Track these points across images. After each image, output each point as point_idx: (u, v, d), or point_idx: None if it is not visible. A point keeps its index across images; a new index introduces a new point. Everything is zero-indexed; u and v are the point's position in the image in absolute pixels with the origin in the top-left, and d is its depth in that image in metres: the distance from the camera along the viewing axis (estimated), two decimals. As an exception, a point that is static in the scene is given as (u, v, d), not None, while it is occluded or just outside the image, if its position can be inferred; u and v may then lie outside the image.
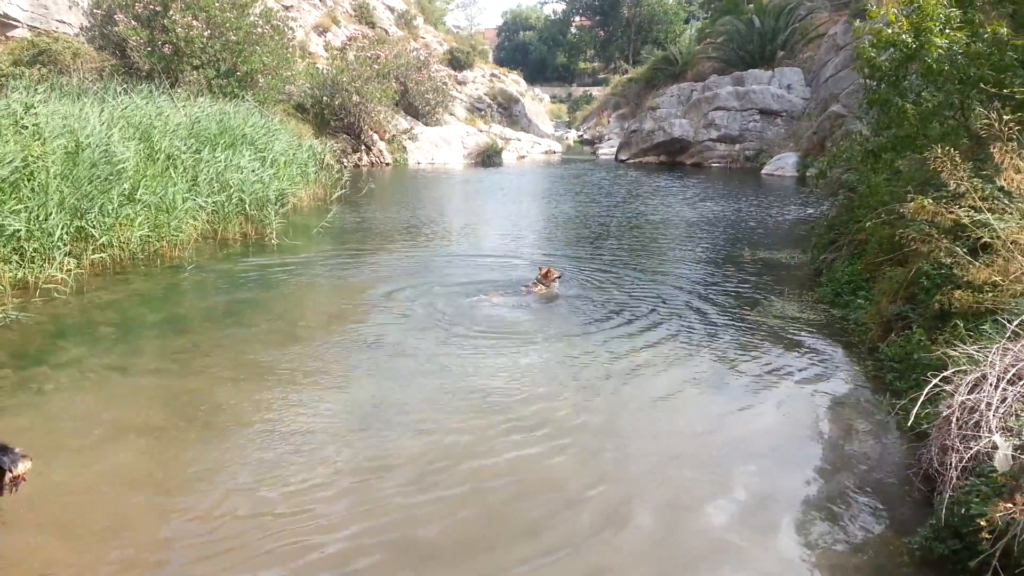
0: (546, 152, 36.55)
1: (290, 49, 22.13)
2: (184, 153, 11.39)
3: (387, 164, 25.81)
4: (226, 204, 11.59)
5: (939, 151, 5.78)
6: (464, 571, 3.80)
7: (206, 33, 18.73)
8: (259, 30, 20.07)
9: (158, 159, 10.86)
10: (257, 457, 4.85)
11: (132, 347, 6.82)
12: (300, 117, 23.26)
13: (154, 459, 4.81)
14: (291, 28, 22.53)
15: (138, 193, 9.84)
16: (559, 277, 9.29)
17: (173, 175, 10.74)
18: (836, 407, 5.89)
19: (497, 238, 13.42)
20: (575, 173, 26.68)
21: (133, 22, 18.62)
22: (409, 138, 27.67)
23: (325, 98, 23.83)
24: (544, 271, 9.24)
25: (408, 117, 29.26)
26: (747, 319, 8.16)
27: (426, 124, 29.94)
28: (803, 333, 7.66)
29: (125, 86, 14.63)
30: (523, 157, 33.60)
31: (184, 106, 13.64)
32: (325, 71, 24.63)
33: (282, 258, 10.70)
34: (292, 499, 4.36)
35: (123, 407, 5.56)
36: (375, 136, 25.93)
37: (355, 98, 23.85)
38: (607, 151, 36.29)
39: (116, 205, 9.46)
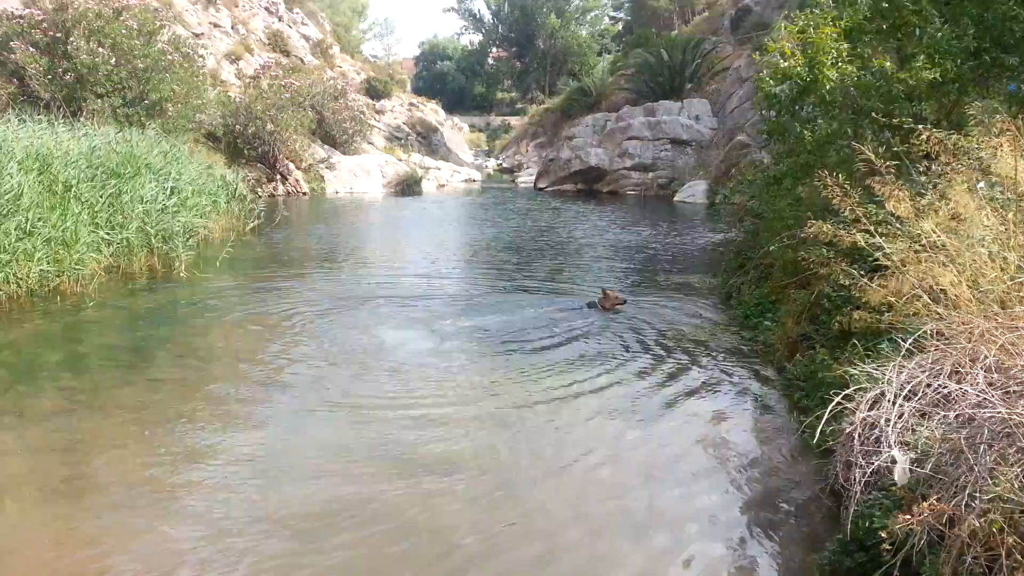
0: (466, 180, 36.69)
1: (200, 77, 21.64)
2: (85, 184, 10.91)
3: (304, 194, 25.39)
4: (131, 237, 11.15)
5: (828, 179, 6.05)
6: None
7: (112, 61, 18.14)
8: (168, 57, 19.57)
9: (57, 191, 10.37)
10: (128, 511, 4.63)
11: (26, 390, 6.45)
12: (212, 146, 22.70)
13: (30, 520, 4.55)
14: (201, 56, 22.05)
15: (36, 226, 9.37)
16: (623, 302, 9.75)
17: (74, 207, 10.28)
18: (747, 427, 6.06)
19: (418, 266, 13.33)
20: (495, 201, 26.86)
21: (31, 49, 17.87)
22: (327, 167, 27.33)
23: (238, 127, 23.34)
24: (605, 293, 9.81)
25: (325, 146, 28.92)
26: (661, 342, 8.33)
27: (344, 153, 29.65)
28: (715, 356, 7.86)
29: (23, 116, 13.97)
30: (443, 186, 33.62)
31: (85, 135, 13.10)
32: (238, 99, 24.16)
33: (191, 292, 10.34)
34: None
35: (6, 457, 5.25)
36: (291, 165, 25.52)
37: (269, 126, 23.45)
38: (526, 179, 36.67)
39: (12, 239, 8.98)
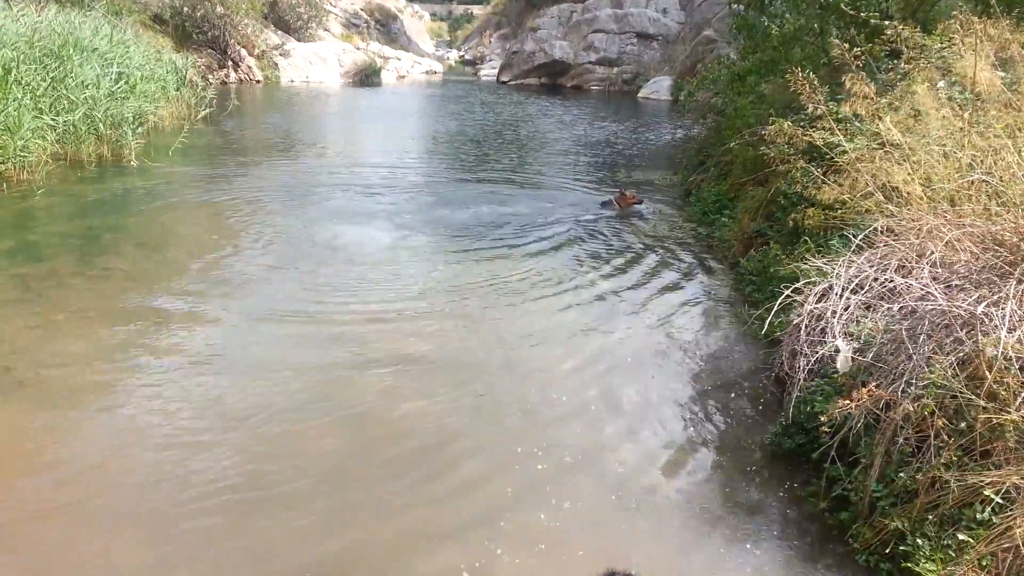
0: (427, 72, 35.63)
1: (144, -47, 20.34)
2: (25, 67, 10.35)
3: (257, 82, 24.44)
4: (77, 123, 10.69)
5: (799, 74, 6.03)
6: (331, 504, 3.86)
7: (46, -68, 16.87)
8: (108, -70, 18.27)
9: (-4, 73, 9.84)
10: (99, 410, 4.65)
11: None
12: (159, 29, 21.56)
13: None
14: (144, -70, 20.64)
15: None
16: (639, 202, 9.63)
17: (15, 91, 9.77)
18: (699, 319, 6.24)
19: (378, 158, 13.09)
20: (457, 94, 26.22)
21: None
22: (281, 54, 26.24)
23: (186, 8, 22.16)
24: (622, 193, 9.68)
25: (279, 32, 27.68)
26: (620, 238, 8.42)
27: (299, 40, 28.44)
28: (672, 251, 7.99)
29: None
30: (403, 77, 32.64)
31: (23, 15, 12.33)
32: (185, -21, 22.81)
33: (142, 180, 10.06)
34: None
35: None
36: (243, 52, 24.43)
37: (219, 9, 22.31)
38: (489, 72, 35.76)
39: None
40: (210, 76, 21.52)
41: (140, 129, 11.65)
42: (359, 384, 4.91)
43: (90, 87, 11.04)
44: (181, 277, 6.62)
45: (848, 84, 5.83)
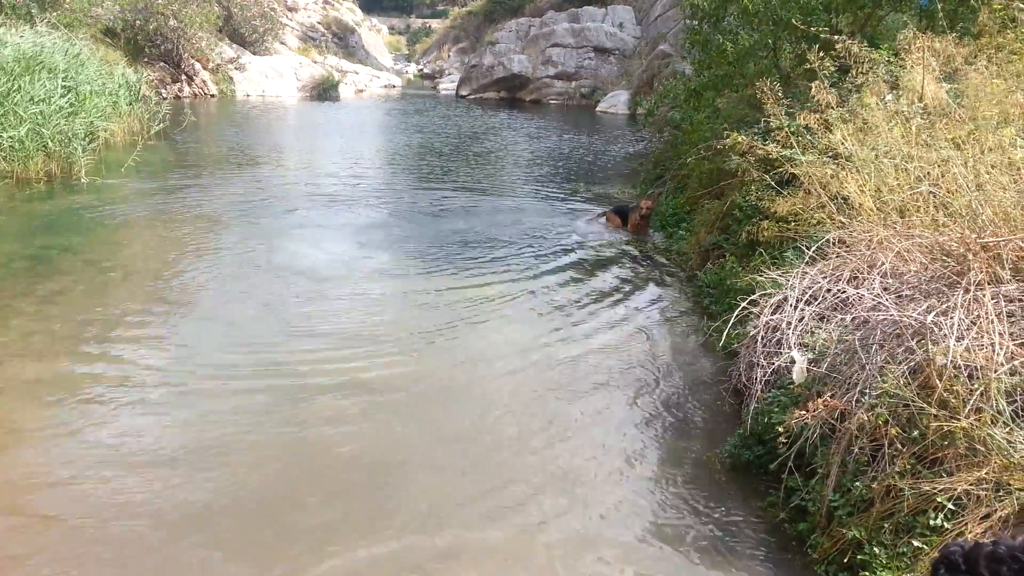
0: (386, 86, 35.52)
1: (95, -34, 19.96)
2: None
3: (212, 96, 24.13)
4: (24, 139, 10.41)
5: (763, 86, 6.15)
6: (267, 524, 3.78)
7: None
8: (56, -57, 17.91)
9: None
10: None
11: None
12: (110, 43, 21.16)
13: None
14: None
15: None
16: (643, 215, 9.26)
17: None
18: (658, 332, 6.28)
19: (335, 173, 12.97)
20: (416, 108, 26.17)
21: None
22: (236, 68, 25.93)
23: (138, 22, 21.79)
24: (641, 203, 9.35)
25: (234, 45, 27.37)
26: (578, 251, 8.45)
27: (255, 53, 28.15)
28: (631, 264, 8.05)
29: None
30: (361, 91, 32.48)
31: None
32: (137, -9, 22.45)
33: (93, 197, 9.83)
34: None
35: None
36: (197, 65, 24.10)
37: (172, 22, 21.97)
38: (448, 86, 35.78)
39: None
40: (163, 90, 21.18)
41: (91, 145, 11.40)
42: (304, 410, 4.77)
43: (40, 103, 10.78)
44: (131, 299, 6.46)
45: (814, 91, 5.97)
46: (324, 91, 28.03)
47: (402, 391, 5.10)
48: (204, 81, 24.21)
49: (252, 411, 4.72)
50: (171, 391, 4.90)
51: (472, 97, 31.08)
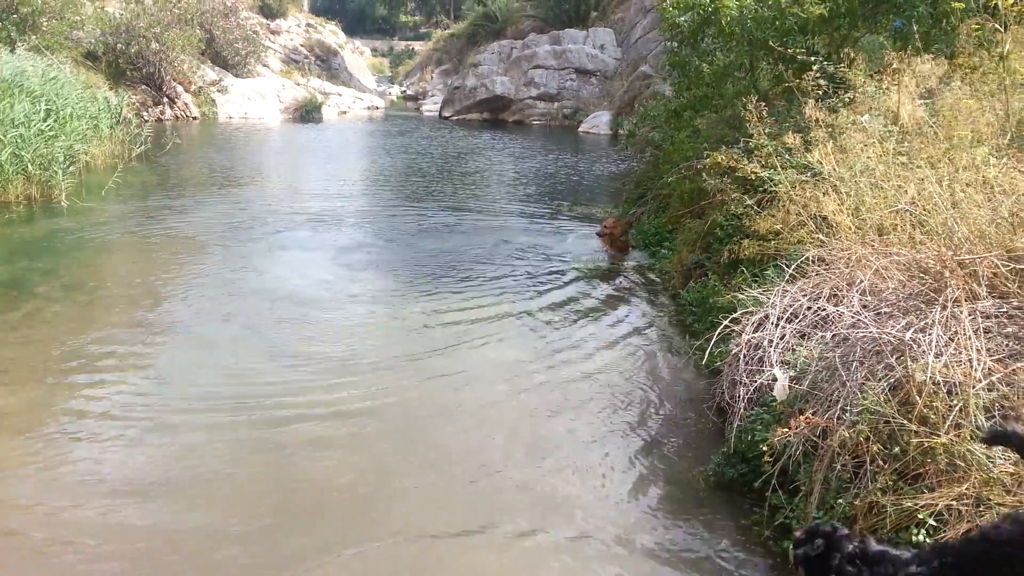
0: (369, 108, 35.61)
1: (76, -11, 19.94)
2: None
3: (194, 118, 24.08)
4: (4, 163, 10.34)
5: (746, 104, 6.25)
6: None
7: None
8: (38, -34, 17.89)
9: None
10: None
11: None
12: (91, 66, 21.09)
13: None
14: (75, -34, 20.24)
15: None
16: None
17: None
18: (641, 350, 6.29)
19: (319, 195, 12.94)
20: (400, 129, 26.25)
21: None
22: (218, 90, 25.90)
23: (120, 45, 21.76)
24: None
25: (216, 68, 27.36)
26: (562, 271, 8.48)
27: (237, 76, 28.14)
28: (613, 283, 8.08)
29: None
30: (344, 112, 32.54)
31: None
32: (118, 15, 22.43)
33: (74, 221, 9.77)
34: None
35: None
36: (179, 88, 24.06)
37: (154, 45, 21.96)
38: (431, 107, 35.90)
39: None
40: (145, 113, 21.10)
41: (71, 168, 11.33)
42: (285, 436, 4.72)
43: (20, 126, 10.71)
44: (111, 325, 6.39)
45: (792, 111, 6.08)
46: (307, 113, 28.05)
47: (385, 415, 5.07)
48: (186, 103, 24.17)
49: (233, 438, 4.67)
50: (150, 420, 4.83)
51: (455, 118, 31.22)
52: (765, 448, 3.92)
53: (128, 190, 11.90)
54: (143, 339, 6.12)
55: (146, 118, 20.14)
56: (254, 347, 6.06)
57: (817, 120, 6.03)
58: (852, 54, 7.24)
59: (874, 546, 2.72)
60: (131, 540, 3.69)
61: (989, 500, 3.11)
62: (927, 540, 3.15)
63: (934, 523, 3.18)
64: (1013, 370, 3.44)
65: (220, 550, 3.66)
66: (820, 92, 6.59)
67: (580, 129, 27.30)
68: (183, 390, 5.27)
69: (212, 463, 4.40)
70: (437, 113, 33.16)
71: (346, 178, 15.10)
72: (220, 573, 3.53)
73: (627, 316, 7.09)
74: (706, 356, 5.02)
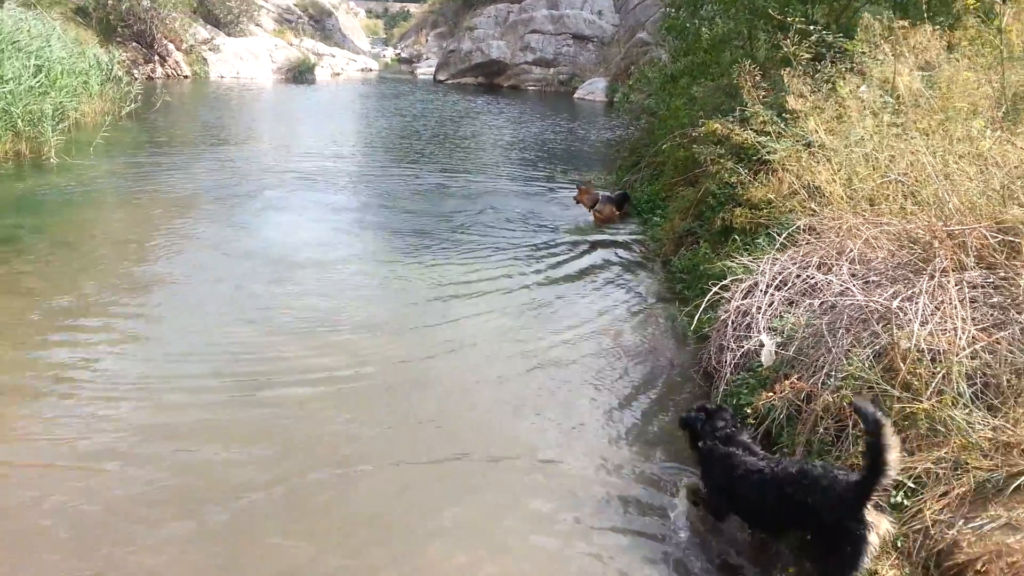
0: (362, 70, 35.25)
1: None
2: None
3: (185, 77, 23.79)
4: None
5: (742, 71, 6.20)
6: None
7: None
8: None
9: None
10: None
11: None
12: (82, 23, 20.76)
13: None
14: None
15: None
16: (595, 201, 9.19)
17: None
18: (632, 317, 6.33)
19: (311, 156, 12.87)
20: (394, 92, 26.01)
21: None
22: (210, 49, 25.57)
23: (111, 1, 21.40)
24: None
25: (209, 26, 26.99)
26: (555, 237, 8.48)
27: (229, 35, 27.77)
28: (606, 250, 8.09)
29: None
30: (338, 74, 32.20)
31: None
32: (109, -30, 22.02)
33: (63, 178, 9.69)
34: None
35: None
36: (171, 46, 23.73)
37: (145, 2, 21.65)
38: (426, 71, 35.58)
39: None
40: (135, 71, 20.82)
41: (61, 125, 11.21)
42: (271, 398, 4.73)
43: (9, 82, 10.56)
44: (99, 283, 6.36)
45: (787, 80, 6.03)
46: (300, 74, 27.76)
47: (373, 378, 5.10)
48: (177, 62, 23.86)
49: (220, 399, 4.68)
50: (136, 379, 4.83)
51: (450, 82, 30.94)
52: (750, 411, 3.99)
53: (117, 148, 11.80)
54: (131, 298, 6.10)
55: (136, 76, 19.84)
56: (244, 308, 6.05)
57: (803, 95, 5.97)
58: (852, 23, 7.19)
59: (740, 437, 3.55)
60: (108, 496, 3.73)
61: (967, 464, 3.18)
62: (905, 501, 3.22)
63: (913, 485, 3.25)
64: (996, 339, 3.49)
65: (196, 505, 3.70)
66: (816, 62, 6.55)
67: (576, 95, 27.12)
68: (170, 350, 5.26)
69: (195, 421, 4.41)
70: (431, 76, 32.88)
71: (339, 139, 14.99)
72: (193, 531, 3.57)
73: (617, 282, 7.11)
74: (695, 322, 5.07)
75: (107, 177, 10.05)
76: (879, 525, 2.91)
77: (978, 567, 2.90)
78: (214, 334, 5.55)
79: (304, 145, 14.10)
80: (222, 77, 25.31)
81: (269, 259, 7.17)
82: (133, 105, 14.33)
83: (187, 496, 3.75)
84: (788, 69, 6.09)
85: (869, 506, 2.89)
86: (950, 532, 3.05)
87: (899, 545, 3.16)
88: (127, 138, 12.73)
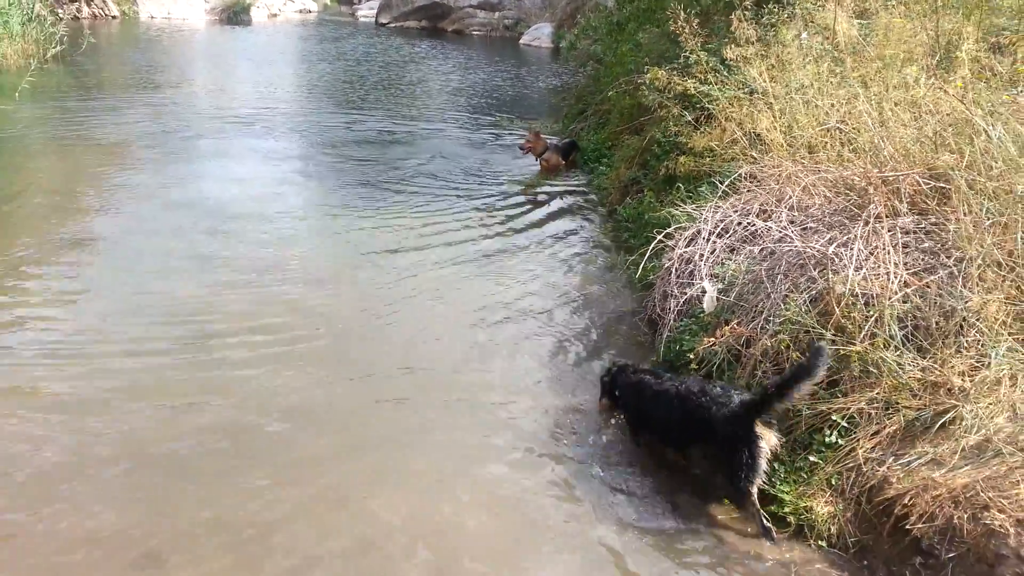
0: (301, 11, 34.03)
1: None
2: None
3: (113, 17, 22.67)
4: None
5: (678, 19, 6.15)
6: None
7: None
8: None
9: None
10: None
11: None
12: (-4, -44, 19.49)
13: None
14: None
15: None
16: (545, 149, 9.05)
17: None
18: (578, 266, 6.37)
19: (249, 102, 12.45)
20: (334, 35, 25.22)
21: None
22: (139, -12, 24.37)
23: (27, -66, 20.11)
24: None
25: (136, -37, 25.63)
26: (501, 187, 8.44)
27: (159, -27, 26.45)
28: (552, 199, 8.08)
29: None
30: (275, 15, 31.04)
31: None
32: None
33: (-15, 124, 9.22)
34: None
35: None
36: (96, -16, 22.53)
37: (66, -64, 20.39)
38: (367, 13, 34.50)
39: None
40: (60, 10, 19.72)
41: (-22, 68, 10.63)
42: (213, 354, 4.65)
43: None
44: (28, 238, 6.13)
45: (735, 25, 6.01)
46: (234, 14, 26.68)
47: (318, 329, 5.06)
48: (104, 2, 22.67)
49: (159, 355, 4.60)
50: (74, 338, 4.71)
51: (392, 25, 30.12)
52: (692, 356, 4.09)
53: (44, 92, 11.25)
54: (64, 254, 5.90)
55: (61, 16, 18.84)
56: (183, 261, 5.90)
57: (748, 40, 5.98)
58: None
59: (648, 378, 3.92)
60: (49, 455, 3.66)
61: (897, 404, 3.32)
62: (839, 441, 3.36)
63: (846, 425, 3.39)
64: (927, 283, 3.62)
65: (139, 462, 3.66)
66: (760, 7, 6.55)
67: (521, 41, 26.70)
68: (108, 306, 5.13)
69: (134, 378, 4.34)
70: (373, 19, 31.93)
71: (278, 84, 14.54)
72: (135, 485, 3.54)
73: (562, 231, 7.13)
74: (639, 270, 5.13)
75: (34, 124, 9.60)
76: (768, 437, 3.33)
77: (906, 501, 3.06)
78: (152, 290, 5.41)
79: (241, 90, 13.64)
80: (152, 17, 24.20)
81: (208, 210, 6.98)
82: (59, 47, 13.63)
83: (132, 445, 3.70)
84: (733, 14, 6.08)
85: (759, 421, 3.32)
86: (881, 469, 3.20)
87: (833, 483, 3.31)
88: (53, 82, 12.13)
